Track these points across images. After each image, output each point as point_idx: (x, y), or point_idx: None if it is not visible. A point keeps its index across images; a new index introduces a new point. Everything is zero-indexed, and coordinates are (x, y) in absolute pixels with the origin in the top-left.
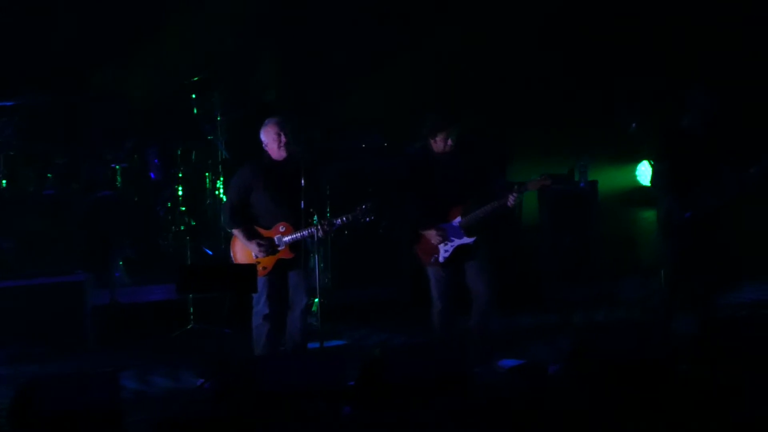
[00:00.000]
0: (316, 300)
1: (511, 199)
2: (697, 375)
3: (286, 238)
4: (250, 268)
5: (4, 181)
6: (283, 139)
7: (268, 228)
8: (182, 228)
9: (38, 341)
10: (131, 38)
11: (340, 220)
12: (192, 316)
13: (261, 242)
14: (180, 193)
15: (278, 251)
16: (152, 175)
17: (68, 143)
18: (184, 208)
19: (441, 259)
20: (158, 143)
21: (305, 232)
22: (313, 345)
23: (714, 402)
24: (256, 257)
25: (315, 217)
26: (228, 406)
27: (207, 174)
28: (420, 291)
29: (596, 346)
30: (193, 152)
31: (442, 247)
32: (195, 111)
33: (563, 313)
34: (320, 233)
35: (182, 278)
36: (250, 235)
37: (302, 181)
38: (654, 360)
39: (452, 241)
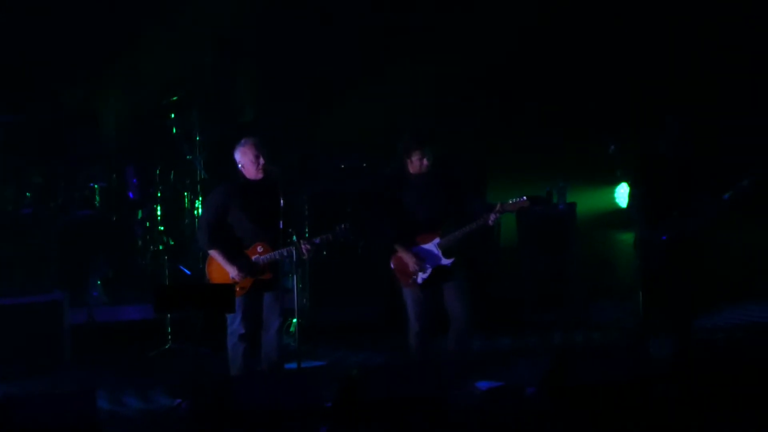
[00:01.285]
0: (294, 320)
1: (491, 218)
2: (673, 397)
3: (263, 258)
4: (227, 288)
5: None
6: (261, 160)
7: (246, 248)
8: (160, 247)
9: (15, 360)
10: (109, 57)
11: (319, 239)
12: (170, 336)
13: (240, 264)
14: (158, 212)
15: (256, 272)
16: (130, 194)
17: (46, 162)
18: (162, 228)
19: (419, 281)
20: (137, 163)
21: (284, 252)
22: (290, 365)
23: (690, 424)
24: (233, 278)
25: (294, 237)
26: (204, 426)
27: (185, 193)
28: (398, 312)
29: (573, 369)
30: (172, 172)
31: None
32: (174, 130)
33: (541, 335)
34: (301, 253)
35: (159, 297)
36: (230, 256)
37: (281, 201)
38: (630, 382)
39: (430, 263)
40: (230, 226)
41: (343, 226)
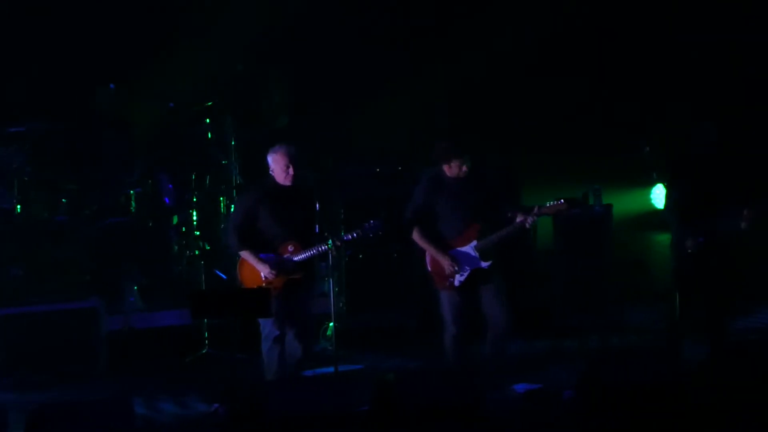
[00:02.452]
0: (331, 324)
1: (529, 221)
2: (708, 400)
3: (296, 258)
4: (263, 292)
5: (18, 207)
6: (291, 170)
7: (275, 250)
8: (196, 253)
9: (51, 368)
10: (144, 63)
11: (349, 236)
12: (206, 341)
13: (272, 264)
14: (194, 217)
15: (288, 270)
16: (166, 200)
17: (81, 169)
18: (198, 233)
19: (456, 283)
20: (172, 168)
21: (314, 251)
22: (327, 369)
23: (725, 427)
24: (266, 278)
25: (325, 234)
26: (241, 431)
27: (221, 198)
28: (434, 316)
29: (609, 371)
30: (207, 177)
31: (456, 274)
32: (209, 136)
33: (577, 338)
34: (333, 249)
35: (196, 303)
36: (257, 256)
37: (315, 206)
38: (665, 385)
39: (467, 265)
40: (260, 229)
41: (372, 222)
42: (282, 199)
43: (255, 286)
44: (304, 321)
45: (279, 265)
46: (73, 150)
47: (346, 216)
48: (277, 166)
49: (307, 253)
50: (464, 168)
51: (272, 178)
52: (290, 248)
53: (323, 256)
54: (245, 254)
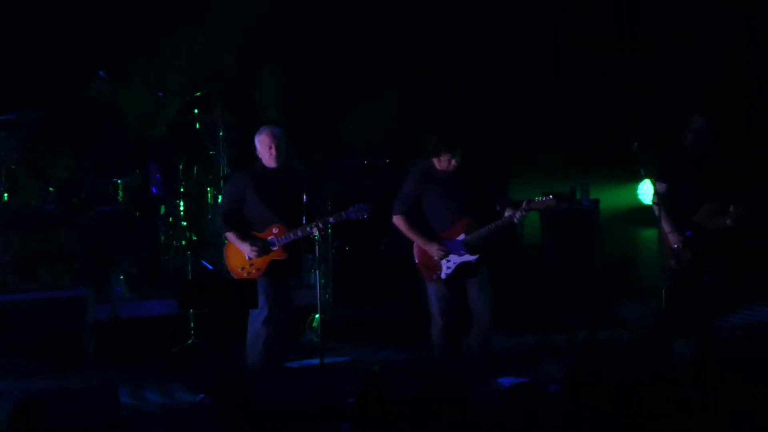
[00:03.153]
0: (317, 316)
1: (517, 216)
2: (695, 396)
3: (280, 240)
4: (250, 283)
5: (5, 195)
6: (273, 151)
7: (261, 231)
8: (183, 243)
9: (38, 356)
10: (134, 53)
11: (332, 218)
12: (192, 331)
13: (253, 242)
14: (181, 208)
15: (271, 251)
16: (154, 189)
17: (70, 158)
18: (185, 223)
19: (443, 276)
20: (160, 158)
21: (298, 233)
22: (313, 361)
23: (713, 423)
24: (249, 258)
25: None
26: (227, 421)
27: (209, 189)
28: (421, 308)
29: (596, 366)
30: (195, 167)
31: (444, 263)
32: (197, 126)
33: (565, 333)
34: (315, 231)
35: (183, 293)
36: (243, 236)
37: (302, 192)
38: (652, 380)
39: (454, 258)
40: (247, 212)
41: (356, 204)
42: (268, 182)
43: (239, 267)
44: (291, 306)
45: (261, 245)
46: (63, 138)
47: (334, 208)
48: (262, 146)
49: (291, 236)
50: (453, 162)
51: (260, 162)
52: (275, 230)
53: (308, 241)
54: (230, 235)
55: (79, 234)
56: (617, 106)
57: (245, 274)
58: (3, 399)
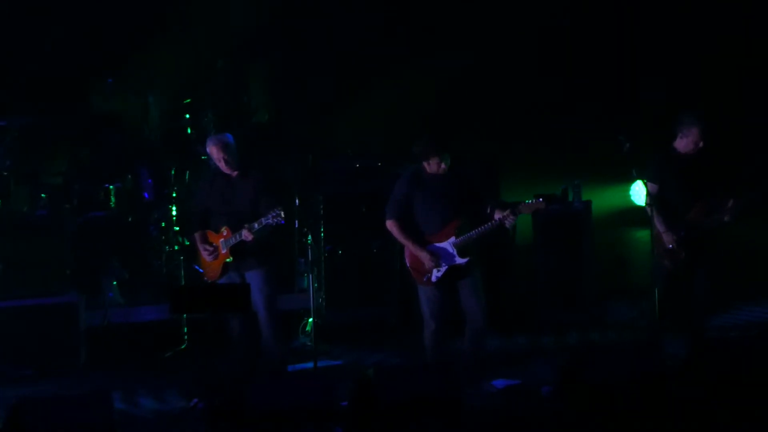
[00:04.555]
0: (310, 320)
1: (509, 221)
2: (688, 396)
3: (228, 243)
4: (242, 288)
5: None
6: (222, 163)
7: (216, 232)
8: (176, 248)
9: (30, 362)
10: (124, 59)
11: (257, 224)
12: (185, 336)
13: (207, 247)
14: (173, 213)
15: (221, 254)
16: (146, 195)
17: (61, 163)
18: (177, 228)
19: (434, 279)
20: (151, 164)
21: (237, 237)
22: (306, 365)
23: (705, 423)
24: (208, 260)
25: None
26: (220, 426)
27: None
28: (413, 311)
29: (588, 367)
30: (187, 172)
31: (434, 269)
32: (189, 131)
33: (557, 334)
34: (246, 236)
35: (175, 298)
36: (202, 240)
37: (255, 190)
38: (645, 381)
39: (445, 262)
40: (211, 214)
41: (276, 210)
42: (223, 187)
43: (205, 267)
44: (256, 301)
45: (212, 249)
46: (54, 144)
47: (326, 211)
48: (214, 157)
49: (233, 239)
50: (443, 165)
51: (217, 167)
52: (224, 233)
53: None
54: (195, 236)
55: (70, 240)
56: (609, 107)
57: (210, 275)
58: None
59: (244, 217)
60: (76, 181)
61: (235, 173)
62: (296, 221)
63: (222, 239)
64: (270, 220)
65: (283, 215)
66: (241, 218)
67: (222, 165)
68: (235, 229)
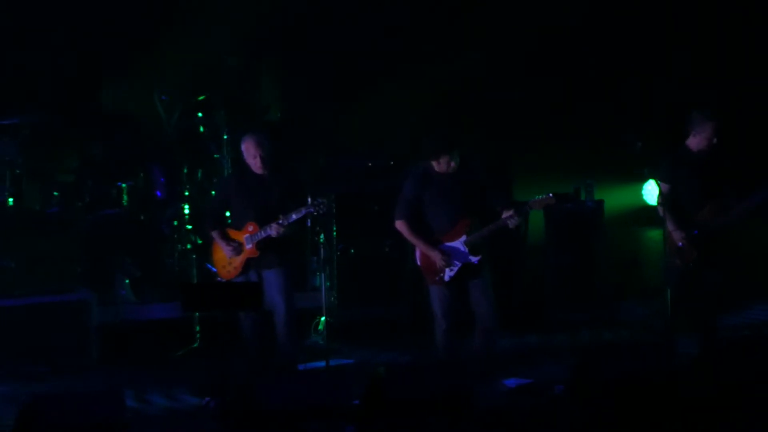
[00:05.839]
0: (322, 319)
1: (511, 222)
2: (700, 395)
3: (254, 238)
4: (255, 286)
5: (9, 199)
6: (257, 161)
7: (239, 229)
8: (188, 246)
9: (43, 360)
10: (137, 56)
11: (293, 215)
12: (197, 334)
13: (231, 243)
14: (186, 211)
15: (245, 250)
16: (158, 193)
17: (74, 161)
18: (190, 227)
19: (446, 278)
20: (164, 162)
21: (267, 231)
22: (318, 364)
23: (717, 422)
24: (228, 257)
25: (321, 236)
26: (232, 424)
27: (213, 192)
28: (425, 310)
29: (600, 367)
30: (199, 170)
31: (447, 268)
32: (201, 129)
33: (569, 333)
34: (273, 231)
35: (187, 296)
36: (223, 237)
37: (286, 188)
38: (657, 380)
39: (457, 261)
40: (231, 211)
41: (317, 200)
42: (252, 185)
43: (221, 265)
44: (275, 300)
45: (237, 245)
46: (66, 142)
47: (338, 210)
48: (247, 154)
49: (262, 233)
50: (452, 163)
51: (247, 166)
52: (250, 228)
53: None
54: (214, 234)
55: (83, 238)
56: (621, 106)
57: (226, 273)
58: (8, 403)
59: (273, 214)
60: (88, 179)
61: (265, 172)
62: (308, 220)
63: (247, 235)
64: (312, 209)
65: (326, 204)
66: (270, 213)
67: (256, 162)
68: (261, 223)
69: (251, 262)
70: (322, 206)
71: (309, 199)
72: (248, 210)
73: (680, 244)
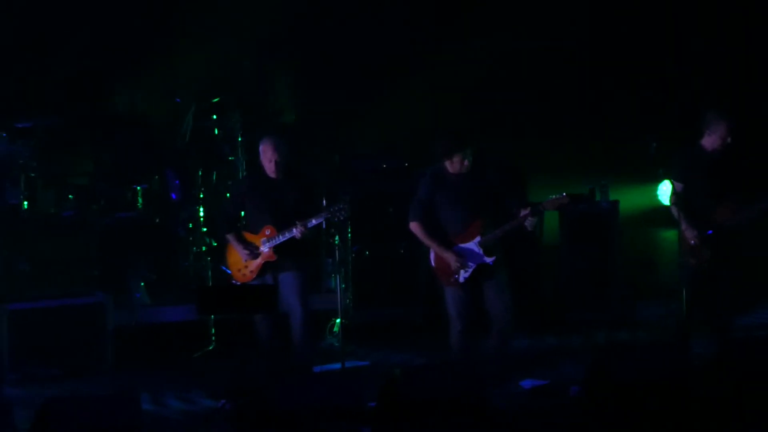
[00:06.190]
0: (338, 321)
1: (528, 223)
2: (715, 396)
3: (271, 242)
4: (270, 289)
5: (24, 203)
6: (272, 165)
7: (255, 232)
8: (203, 249)
9: (58, 363)
10: (151, 59)
11: (314, 220)
12: (213, 337)
13: (247, 247)
14: (201, 213)
15: (262, 254)
16: (173, 195)
17: (88, 164)
18: (204, 229)
19: (461, 279)
20: (179, 164)
21: (286, 235)
22: (334, 366)
23: (732, 423)
24: (245, 261)
25: (336, 238)
26: (247, 427)
27: (228, 195)
28: (440, 311)
29: (615, 367)
30: (214, 173)
31: (461, 269)
32: (216, 132)
33: (585, 334)
34: (297, 233)
35: (202, 299)
36: (240, 240)
37: (302, 192)
38: (673, 381)
39: (471, 262)
40: (246, 214)
41: (338, 206)
42: (267, 189)
43: (237, 268)
44: (291, 303)
45: (253, 249)
46: (81, 144)
47: (353, 212)
48: (264, 156)
49: (280, 237)
50: (465, 162)
51: (262, 168)
52: (267, 231)
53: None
54: (230, 237)
55: (98, 241)
56: (636, 107)
57: (241, 276)
58: (24, 406)
59: (289, 216)
60: (102, 182)
61: (280, 175)
62: (323, 222)
63: (264, 239)
64: (330, 216)
65: (345, 209)
66: (286, 217)
67: (271, 166)
68: (279, 227)
69: (268, 265)
70: (341, 212)
71: (325, 202)
72: (264, 214)
73: (692, 242)
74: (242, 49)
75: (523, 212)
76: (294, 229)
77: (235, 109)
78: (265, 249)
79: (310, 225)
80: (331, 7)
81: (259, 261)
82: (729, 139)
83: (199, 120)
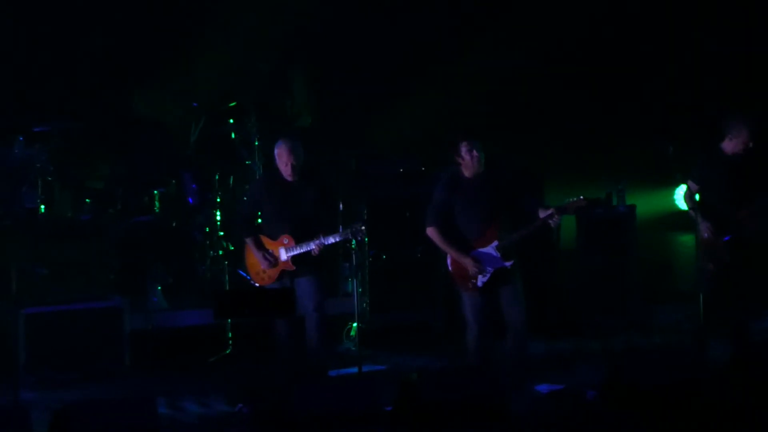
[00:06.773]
0: (354, 324)
1: (554, 221)
2: (732, 400)
3: (289, 252)
4: (287, 292)
5: (41, 207)
6: (288, 168)
7: (274, 239)
8: (220, 253)
9: (75, 367)
10: (168, 63)
11: (331, 238)
12: (230, 341)
13: (266, 255)
14: (218, 217)
15: (280, 262)
16: (190, 199)
17: (105, 168)
18: (221, 233)
19: (479, 284)
20: (196, 168)
21: (304, 247)
22: (351, 370)
23: (749, 428)
24: (263, 268)
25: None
26: (265, 430)
27: (245, 198)
28: (457, 315)
29: (632, 372)
30: (231, 177)
31: (479, 275)
32: (233, 136)
33: (602, 339)
34: (315, 250)
35: (219, 303)
36: (259, 246)
37: (319, 198)
38: (690, 385)
39: (490, 269)
40: (263, 217)
41: (355, 227)
42: (284, 193)
43: (255, 272)
44: (307, 307)
45: (272, 257)
46: (98, 149)
47: (369, 216)
48: (280, 160)
49: (298, 249)
50: (475, 154)
51: (278, 170)
52: (285, 241)
53: (345, 250)
54: (249, 241)
55: (115, 245)
56: (653, 111)
57: (260, 279)
58: (41, 409)
59: (308, 223)
60: (120, 186)
61: (295, 179)
62: (340, 226)
63: (282, 247)
64: (350, 236)
65: (363, 231)
66: (304, 224)
67: (287, 169)
68: (297, 235)
69: (285, 271)
70: (359, 233)
71: (342, 209)
72: (282, 221)
73: (705, 234)
74: (259, 53)
75: (545, 212)
76: (312, 244)
77: (252, 113)
78: (283, 258)
79: (327, 242)
80: (347, 11)
81: (277, 269)
82: (751, 145)
83: (215, 124)
